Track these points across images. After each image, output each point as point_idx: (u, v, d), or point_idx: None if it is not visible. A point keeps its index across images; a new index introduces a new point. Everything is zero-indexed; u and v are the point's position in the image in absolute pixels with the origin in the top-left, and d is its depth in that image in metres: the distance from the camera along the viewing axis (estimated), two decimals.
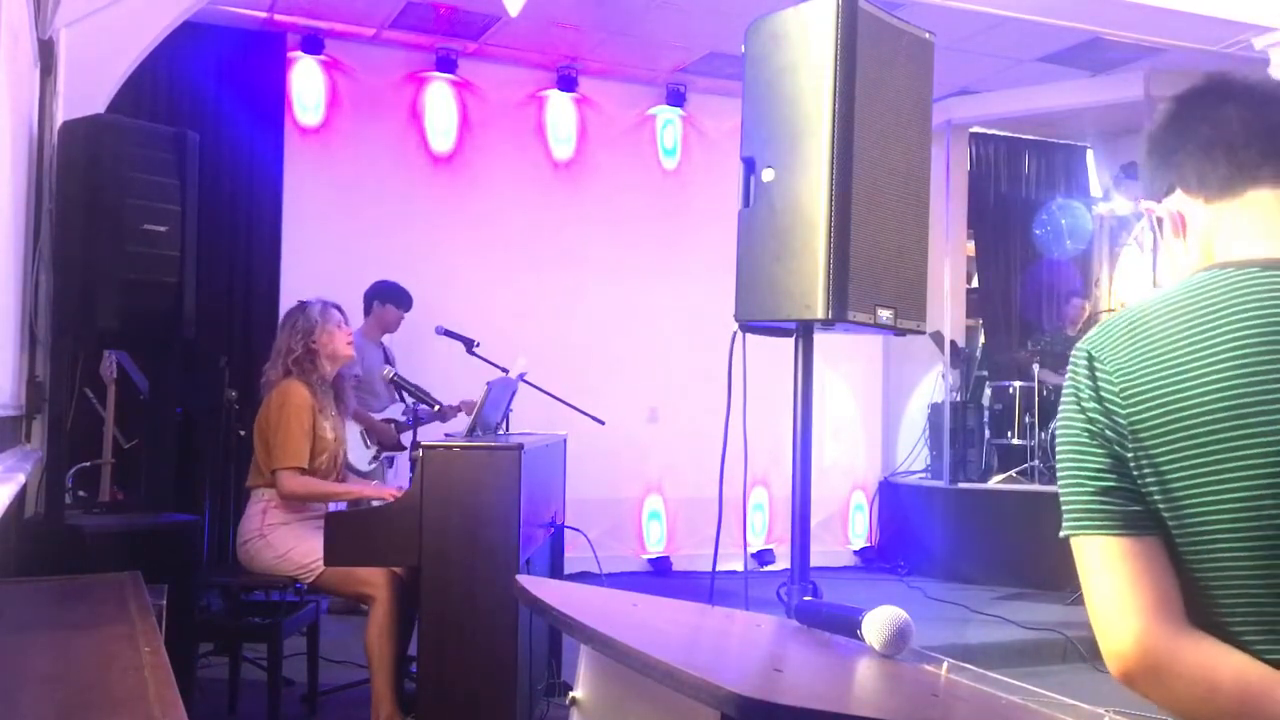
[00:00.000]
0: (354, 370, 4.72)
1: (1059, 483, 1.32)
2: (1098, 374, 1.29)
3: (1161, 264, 1.47)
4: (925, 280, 2.74)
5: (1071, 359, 1.33)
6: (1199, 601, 1.24)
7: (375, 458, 5.72)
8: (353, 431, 5.66)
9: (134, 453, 4.55)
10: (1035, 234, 8.74)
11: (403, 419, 5.71)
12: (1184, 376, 1.22)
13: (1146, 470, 1.24)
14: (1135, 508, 1.25)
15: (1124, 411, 1.25)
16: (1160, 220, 1.43)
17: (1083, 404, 1.29)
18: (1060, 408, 1.35)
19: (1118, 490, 1.26)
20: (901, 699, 1.54)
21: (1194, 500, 1.21)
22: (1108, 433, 1.27)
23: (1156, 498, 1.24)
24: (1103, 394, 1.28)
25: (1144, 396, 1.24)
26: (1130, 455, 1.25)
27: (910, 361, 8.22)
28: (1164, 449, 1.23)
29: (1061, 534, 1.31)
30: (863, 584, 7.07)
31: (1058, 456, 1.34)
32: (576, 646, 1.67)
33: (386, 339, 6.04)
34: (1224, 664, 1.20)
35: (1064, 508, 1.30)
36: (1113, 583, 1.25)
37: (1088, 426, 1.29)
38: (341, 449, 4.11)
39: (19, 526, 3.51)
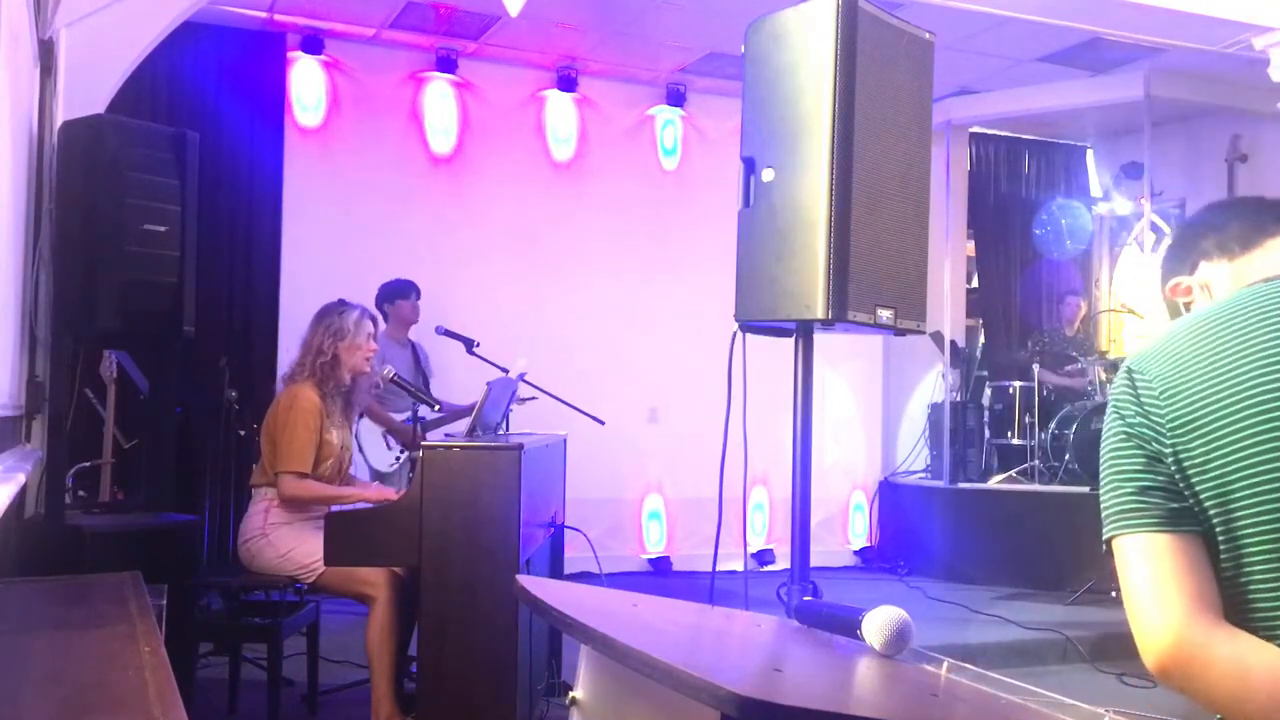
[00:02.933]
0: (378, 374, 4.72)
1: (1101, 492, 1.36)
2: (1138, 383, 1.35)
3: None
4: (925, 280, 2.73)
5: (1115, 380, 1.40)
6: (1238, 596, 1.26)
7: (397, 459, 5.71)
8: (375, 433, 5.65)
9: (134, 453, 4.55)
10: (1035, 234, 8.73)
11: (432, 416, 5.68)
12: (1219, 372, 1.28)
13: (1187, 463, 1.28)
14: (1173, 504, 1.29)
15: (1162, 410, 1.30)
16: (1190, 292, 1.60)
17: (1123, 414, 1.35)
18: (1104, 425, 1.40)
19: (1155, 489, 1.29)
20: (901, 699, 1.54)
21: (1229, 491, 1.25)
22: (1144, 431, 1.31)
23: (1199, 490, 1.27)
24: (1142, 398, 1.33)
25: (1181, 391, 1.29)
26: (1168, 450, 1.29)
27: (910, 361, 8.22)
28: (1199, 441, 1.27)
29: (1104, 538, 1.34)
30: (863, 584, 7.06)
31: (1100, 469, 1.38)
32: (576, 646, 1.67)
33: (414, 333, 6.00)
34: (1257, 658, 1.22)
35: (1104, 512, 1.34)
36: (1151, 578, 1.28)
37: (1125, 430, 1.34)
38: (347, 456, 4.08)
39: (19, 526, 3.51)
